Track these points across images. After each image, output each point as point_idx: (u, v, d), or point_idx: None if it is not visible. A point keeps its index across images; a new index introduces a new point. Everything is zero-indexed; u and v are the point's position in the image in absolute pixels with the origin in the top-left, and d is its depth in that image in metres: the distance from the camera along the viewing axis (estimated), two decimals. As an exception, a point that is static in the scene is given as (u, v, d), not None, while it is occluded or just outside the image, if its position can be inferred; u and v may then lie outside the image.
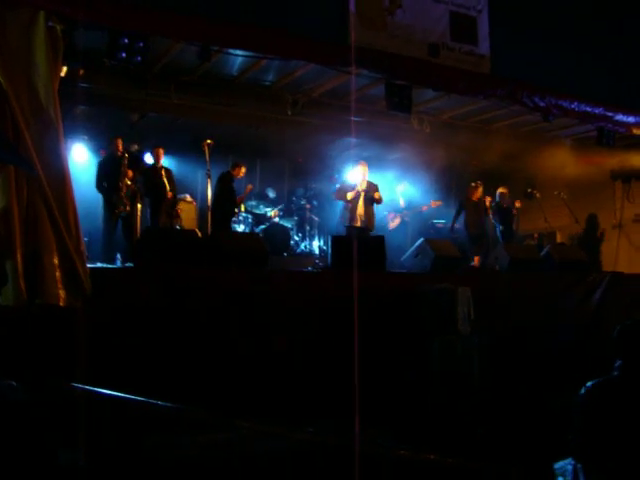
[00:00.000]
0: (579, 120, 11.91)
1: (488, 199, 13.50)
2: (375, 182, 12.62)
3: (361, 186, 12.24)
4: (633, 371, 4.34)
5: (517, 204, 13.62)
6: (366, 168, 12.46)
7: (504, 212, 13.64)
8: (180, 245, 8.39)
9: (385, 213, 14.74)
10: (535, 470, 5.04)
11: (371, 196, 12.33)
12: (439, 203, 14.82)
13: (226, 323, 7.63)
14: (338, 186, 12.88)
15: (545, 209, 13.72)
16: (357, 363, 8.07)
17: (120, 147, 11.07)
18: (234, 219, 13.08)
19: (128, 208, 10.93)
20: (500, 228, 13.72)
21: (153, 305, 7.29)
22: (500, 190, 13.77)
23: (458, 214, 13.78)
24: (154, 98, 11.09)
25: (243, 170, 12.98)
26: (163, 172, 11.75)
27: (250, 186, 13.57)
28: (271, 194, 14.83)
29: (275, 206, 14.32)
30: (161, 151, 11.92)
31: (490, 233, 13.97)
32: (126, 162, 10.94)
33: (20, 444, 2.45)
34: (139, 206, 11.23)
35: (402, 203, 14.82)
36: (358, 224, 12.12)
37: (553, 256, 11.27)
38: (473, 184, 13.66)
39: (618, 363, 4.42)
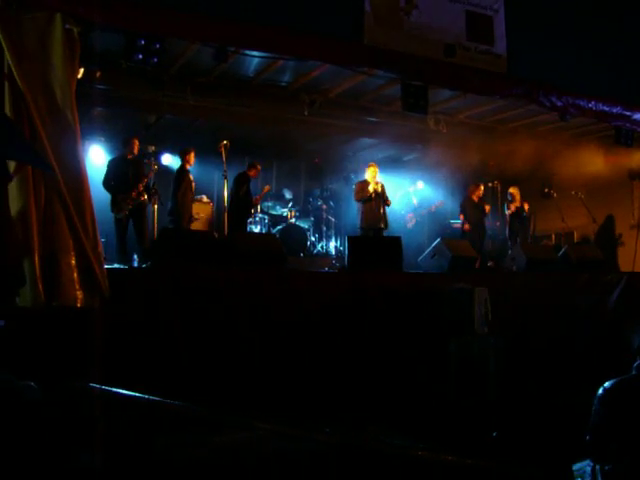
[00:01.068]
0: (596, 119, 11.83)
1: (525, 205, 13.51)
2: (383, 184, 12.54)
3: (376, 186, 12.16)
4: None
5: (526, 206, 13.56)
6: (377, 169, 12.39)
7: (515, 213, 13.57)
8: (197, 246, 8.40)
9: (402, 213, 14.74)
10: (554, 471, 5.02)
11: (385, 199, 12.28)
12: (439, 204, 14.83)
13: (244, 324, 7.64)
14: (355, 187, 12.79)
15: (562, 209, 13.67)
16: (373, 363, 8.08)
17: (136, 148, 11.02)
18: (250, 220, 13.09)
19: (130, 207, 10.78)
20: (506, 229, 13.71)
21: (169, 305, 7.31)
22: (510, 190, 13.70)
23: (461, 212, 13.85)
24: (170, 100, 11.08)
25: (259, 170, 12.99)
26: (191, 176, 11.74)
27: (267, 187, 13.58)
28: (287, 195, 14.83)
29: (291, 207, 14.32)
30: (193, 154, 11.88)
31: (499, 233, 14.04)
32: (144, 164, 10.95)
33: (37, 443, 2.46)
34: (155, 207, 11.18)
35: (415, 202, 14.83)
36: (381, 225, 12.07)
37: (570, 256, 11.23)
38: (474, 184, 13.68)
39: (637, 362, 4.40)
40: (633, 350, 4.47)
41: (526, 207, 13.55)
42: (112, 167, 10.92)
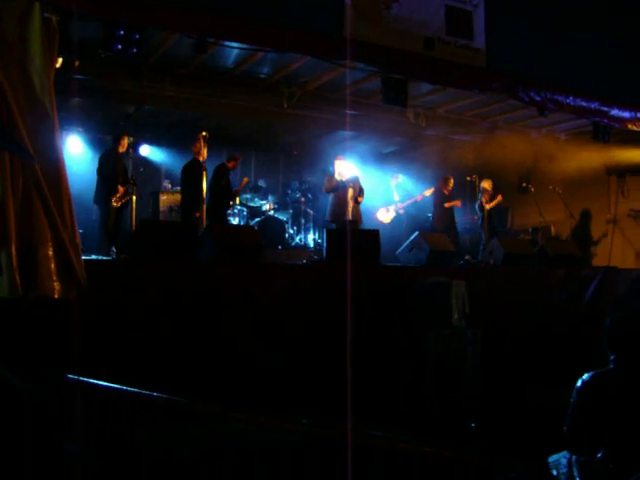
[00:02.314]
0: (574, 115, 11.90)
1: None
2: (360, 179, 12.55)
3: (339, 177, 12.17)
4: (628, 363, 4.36)
5: (499, 198, 13.49)
6: (344, 162, 12.42)
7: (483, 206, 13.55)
8: (175, 237, 8.39)
9: (379, 206, 14.71)
10: (529, 463, 5.06)
11: (355, 195, 12.23)
12: (432, 190, 14.67)
13: (221, 316, 7.63)
14: (326, 179, 12.78)
15: (540, 204, 13.73)
16: (350, 356, 8.09)
17: (126, 144, 11.07)
18: (229, 212, 13.07)
19: (124, 200, 10.87)
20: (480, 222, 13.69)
21: (147, 297, 7.29)
22: (482, 184, 13.61)
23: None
24: (149, 90, 11.05)
25: (238, 162, 12.96)
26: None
27: (246, 179, 13.56)
28: (262, 184, 14.86)
29: (267, 196, 14.33)
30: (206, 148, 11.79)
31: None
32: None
33: (24, 432, 2.46)
34: (134, 198, 11.16)
35: (396, 196, 14.80)
36: (350, 218, 12.03)
37: (547, 250, 11.31)
38: (444, 178, 13.71)
39: (613, 356, 4.44)
40: (609, 343, 4.50)
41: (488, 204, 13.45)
42: (105, 161, 10.97)
